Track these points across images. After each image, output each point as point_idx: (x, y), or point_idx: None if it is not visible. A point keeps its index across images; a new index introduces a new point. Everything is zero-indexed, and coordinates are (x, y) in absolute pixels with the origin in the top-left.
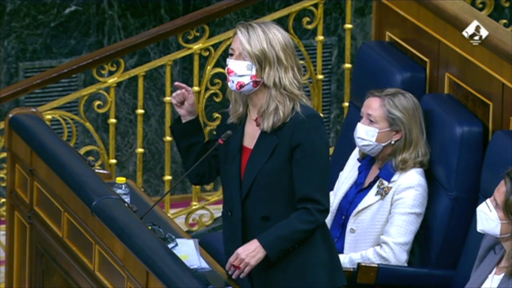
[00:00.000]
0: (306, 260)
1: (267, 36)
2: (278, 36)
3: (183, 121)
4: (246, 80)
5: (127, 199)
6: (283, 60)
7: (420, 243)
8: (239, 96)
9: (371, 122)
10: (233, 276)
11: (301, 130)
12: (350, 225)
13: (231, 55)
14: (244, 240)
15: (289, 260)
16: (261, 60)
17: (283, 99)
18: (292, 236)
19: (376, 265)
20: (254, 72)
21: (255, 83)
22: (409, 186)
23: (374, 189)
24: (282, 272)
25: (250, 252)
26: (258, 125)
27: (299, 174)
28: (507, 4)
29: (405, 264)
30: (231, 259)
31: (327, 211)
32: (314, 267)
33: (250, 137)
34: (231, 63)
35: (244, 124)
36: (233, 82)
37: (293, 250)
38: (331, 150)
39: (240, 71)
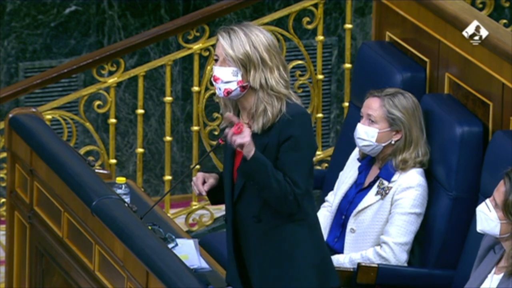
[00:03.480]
0: (295, 261)
1: (249, 38)
2: (260, 37)
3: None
4: (233, 86)
5: (127, 199)
6: (268, 61)
7: (420, 243)
8: (228, 101)
9: (371, 122)
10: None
11: (288, 127)
12: (350, 225)
13: (216, 61)
14: (236, 242)
15: (279, 261)
16: (245, 64)
17: (270, 100)
18: (272, 175)
19: (376, 265)
20: (240, 77)
21: (242, 88)
22: (409, 186)
23: (374, 189)
24: (272, 273)
25: (246, 143)
26: (250, 126)
27: (280, 168)
28: (507, 4)
29: (405, 264)
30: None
31: (299, 205)
32: (301, 269)
33: None
34: (217, 70)
35: None
36: (220, 89)
37: (258, 188)
38: (331, 150)
39: (226, 77)
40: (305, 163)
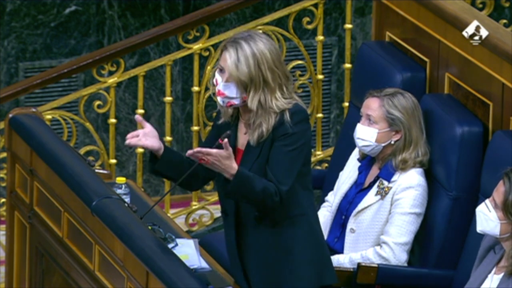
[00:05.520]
0: (292, 258)
1: (255, 57)
2: (266, 55)
3: (159, 154)
4: (237, 101)
5: (127, 199)
6: (270, 82)
7: (420, 243)
8: None
9: (371, 122)
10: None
11: (283, 125)
12: (350, 225)
13: (221, 70)
14: (239, 241)
15: (278, 258)
16: (246, 85)
17: (267, 116)
18: (257, 186)
19: (376, 265)
20: (244, 94)
21: (244, 101)
22: (409, 186)
23: (374, 189)
24: (272, 270)
25: (216, 164)
26: (246, 133)
27: (269, 163)
28: (507, 4)
29: (405, 264)
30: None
31: (281, 199)
32: (300, 265)
33: (242, 139)
34: (222, 86)
35: (237, 125)
36: (223, 102)
37: (246, 201)
38: (331, 150)
39: (231, 94)
40: (295, 159)
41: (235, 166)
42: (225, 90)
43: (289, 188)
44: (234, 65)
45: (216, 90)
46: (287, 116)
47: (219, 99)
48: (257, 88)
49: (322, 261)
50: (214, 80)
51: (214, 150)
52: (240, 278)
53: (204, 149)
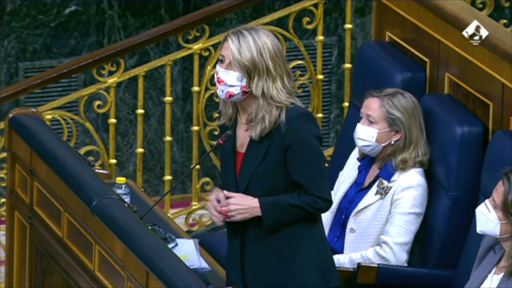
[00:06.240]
0: (298, 260)
1: (257, 45)
2: (268, 45)
3: None
4: (236, 90)
5: (127, 199)
6: (272, 70)
7: (420, 243)
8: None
9: (371, 122)
10: (217, 222)
11: (290, 132)
12: (350, 224)
13: (221, 61)
14: (243, 243)
15: (281, 260)
16: (250, 71)
17: (269, 108)
18: (292, 209)
19: (376, 265)
20: (244, 83)
21: (244, 92)
22: (409, 186)
23: (374, 188)
24: (274, 271)
25: (241, 209)
26: (247, 130)
27: (296, 174)
28: (507, 4)
29: (405, 264)
30: (222, 204)
31: (329, 201)
32: (306, 267)
33: (242, 141)
34: (222, 72)
35: (235, 127)
36: (222, 91)
37: (287, 225)
38: (331, 150)
39: (230, 81)
40: (320, 161)
41: (254, 199)
42: (224, 76)
43: (328, 188)
44: (236, 50)
45: (216, 79)
46: (283, 116)
47: (218, 90)
48: (261, 75)
49: (326, 263)
50: (215, 73)
51: (227, 200)
52: (239, 281)
53: (221, 205)
